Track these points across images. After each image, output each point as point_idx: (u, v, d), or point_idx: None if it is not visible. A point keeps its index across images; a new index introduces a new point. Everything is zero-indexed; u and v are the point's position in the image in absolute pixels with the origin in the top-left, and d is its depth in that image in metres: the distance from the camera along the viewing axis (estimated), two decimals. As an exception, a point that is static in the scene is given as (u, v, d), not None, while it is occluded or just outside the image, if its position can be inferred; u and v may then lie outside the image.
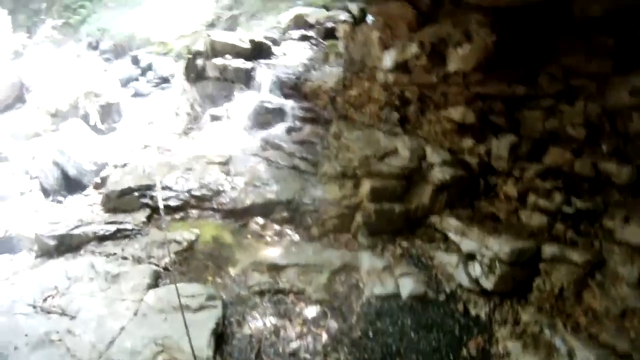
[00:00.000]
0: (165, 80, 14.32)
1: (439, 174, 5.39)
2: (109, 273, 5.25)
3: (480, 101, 4.93)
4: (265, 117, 7.88)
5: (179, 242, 5.59)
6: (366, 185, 5.65)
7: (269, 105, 7.87)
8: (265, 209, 5.95)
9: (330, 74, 7.80)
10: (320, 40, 10.09)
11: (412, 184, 5.60)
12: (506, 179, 5.08)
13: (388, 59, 5.66)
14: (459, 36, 4.65)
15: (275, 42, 10.27)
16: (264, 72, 8.34)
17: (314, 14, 10.96)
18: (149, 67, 15.19)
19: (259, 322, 4.62)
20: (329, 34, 9.98)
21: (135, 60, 15.96)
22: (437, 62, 4.98)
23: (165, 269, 5.29)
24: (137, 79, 14.90)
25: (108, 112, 11.88)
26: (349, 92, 7.04)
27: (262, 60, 9.12)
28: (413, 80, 5.49)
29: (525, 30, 4.29)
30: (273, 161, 6.71)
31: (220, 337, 4.41)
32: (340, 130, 6.68)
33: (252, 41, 9.39)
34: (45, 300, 5.18)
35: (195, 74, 9.56)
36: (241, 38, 9.41)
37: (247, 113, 8.09)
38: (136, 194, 6.39)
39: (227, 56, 9.08)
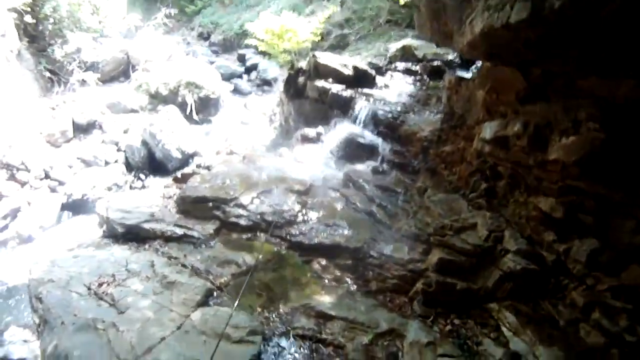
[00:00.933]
0: (267, 83, 14.69)
1: (510, 263, 5.09)
2: (166, 278, 5.31)
3: (573, 195, 4.57)
4: (354, 151, 7.75)
5: (238, 265, 5.55)
6: (436, 255, 5.41)
7: (361, 140, 7.72)
8: (331, 252, 5.80)
9: (427, 121, 7.50)
10: (425, 77, 9.79)
11: (480, 264, 5.29)
12: (577, 284, 4.70)
13: (488, 130, 5.33)
14: (567, 124, 4.31)
15: (380, 71, 10.13)
16: (363, 104, 8.21)
17: (423, 48, 10.65)
18: (254, 68, 15.59)
19: (291, 366, 4.58)
20: (435, 72, 9.68)
21: (242, 58, 16.47)
22: (538, 147, 4.64)
23: (219, 288, 5.27)
24: (240, 77, 15.36)
25: (206, 104, 12.33)
26: (443, 147, 6.75)
27: (363, 89, 9.01)
28: (509, 157, 5.16)
29: (637, 131, 4.02)
30: (352, 202, 6.55)
31: (249, 371, 4.37)
32: (426, 185, 6.43)
33: (355, 68, 9.28)
34: (100, 285, 5.33)
35: (294, 90, 9.61)
36: (345, 64, 9.33)
37: (338, 142, 7.99)
38: (210, 204, 6.44)
39: (329, 80, 9.04)
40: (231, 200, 6.49)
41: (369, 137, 7.77)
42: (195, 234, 6.16)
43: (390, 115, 7.74)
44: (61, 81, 11.51)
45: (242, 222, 6.24)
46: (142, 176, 10.29)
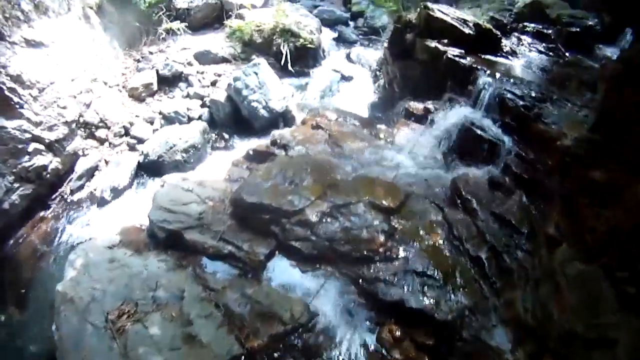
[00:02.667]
0: (375, 31, 12.98)
1: None
2: (190, 324, 3.91)
3: None
4: (469, 145, 5.62)
5: (282, 322, 3.86)
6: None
7: (480, 133, 5.50)
8: (412, 318, 3.88)
9: (572, 121, 5.04)
10: (560, 47, 7.42)
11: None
12: None
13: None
14: None
15: (504, 30, 7.86)
16: (486, 81, 5.96)
17: (557, 7, 8.31)
18: (361, 14, 13.85)
19: None
20: (572, 40, 7.36)
21: (348, 2, 14.67)
22: None
23: (251, 353, 3.68)
24: (345, 23, 13.74)
25: (303, 54, 10.72)
26: (590, 171, 3.37)
27: (485, 55, 6.87)
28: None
29: None
30: (456, 235, 4.51)
31: None
32: (559, 235, 3.60)
33: (477, 26, 7.07)
34: (120, 316, 4.15)
35: (401, 49, 7.53)
36: (465, 19, 7.12)
37: (449, 128, 5.93)
38: (267, 216, 4.71)
39: (444, 40, 6.94)
40: (295, 213, 4.66)
41: (490, 129, 5.52)
42: (242, 255, 4.53)
43: (521, 102, 5.43)
44: (149, 31, 10.36)
45: (304, 248, 4.45)
46: (225, 135, 9.04)
